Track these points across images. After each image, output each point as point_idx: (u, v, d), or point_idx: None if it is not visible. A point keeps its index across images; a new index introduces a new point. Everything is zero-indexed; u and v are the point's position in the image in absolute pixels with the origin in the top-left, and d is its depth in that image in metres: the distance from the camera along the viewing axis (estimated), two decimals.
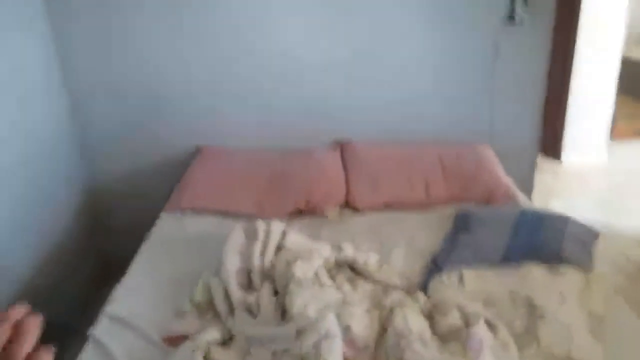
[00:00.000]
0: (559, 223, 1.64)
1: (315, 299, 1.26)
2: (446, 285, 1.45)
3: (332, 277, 1.50)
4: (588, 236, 1.64)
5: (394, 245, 1.77)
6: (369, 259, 1.56)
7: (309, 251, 1.53)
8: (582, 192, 3.46)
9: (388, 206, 2.05)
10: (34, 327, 0.44)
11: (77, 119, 2.29)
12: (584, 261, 1.50)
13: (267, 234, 1.59)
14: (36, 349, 0.43)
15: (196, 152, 2.30)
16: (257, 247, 1.53)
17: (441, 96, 2.34)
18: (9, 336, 0.42)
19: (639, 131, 4.64)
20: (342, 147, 2.32)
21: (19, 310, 0.44)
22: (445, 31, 2.23)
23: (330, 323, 1.12)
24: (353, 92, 2.33)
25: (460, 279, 1.47)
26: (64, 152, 2.25)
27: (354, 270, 1.55)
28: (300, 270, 1.36)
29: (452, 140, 2.34)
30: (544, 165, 3.93)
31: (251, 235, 1.59)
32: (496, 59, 2.22)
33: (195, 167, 2.15)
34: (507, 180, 2.08)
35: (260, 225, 1.61)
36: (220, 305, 1.37)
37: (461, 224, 1.81)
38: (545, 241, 1.56)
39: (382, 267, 1.55)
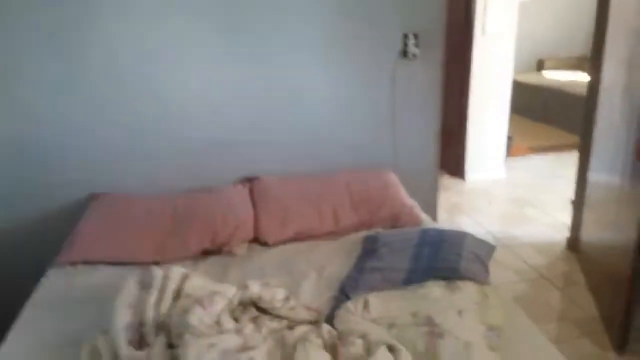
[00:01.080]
0: (456, 240, 1.70)
1: (212, 347, 1.18)
2: (352, 313, 1.43)
3: (236, 319, 1.43)
4: (484, 250, 1.72)
5: (304, 277, 1.74)
6: (276, 295, 1.50)
7: (210, 295, 1.45)
8: (485, 206, 3.66)
9: (298, 238, 2.02)
10: None
11: None
12: (480, 275, 1.55)
13: (165, 281, 1.49)
14: None
15: (90, 201, 2.14)
16: (152, 297, 1.42)
17: (347, 127, 2.40)
18: None
19: (534, 147, 5.07)
20: (251, 184, 2.28)
21: None
22: (348, 67, 2.31)
23: None
24: (261, 129, 2.32)
25: (366, 305, 1.45)
26: None
27: (260, 308, 1.49)
28: (196, 317, 1.27)
29: (363, 167, 2.40)
30: (450, 185, 4.15)
31: (146, 285, 1.47)
32: (394, 90, 2.34)
33: (87, 216, 1.99)
34: (411, 202, 2.14)
35: (157, 273, 1.50)
36: None
37: (369, 249, 1.83)
38: (444, 259, 1.60)
39: (289, 302, 1.50)
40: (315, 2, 2.16)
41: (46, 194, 2.17)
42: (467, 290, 1.45)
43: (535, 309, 2.39)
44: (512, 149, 4.73)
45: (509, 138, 4.60)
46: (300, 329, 1.34)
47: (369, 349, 1.19)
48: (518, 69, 7.32)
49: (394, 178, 2.28)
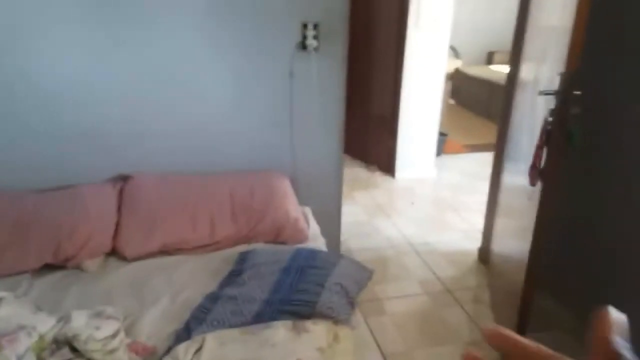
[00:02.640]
0: (325, 267, 1.53)
1: None
2: (181, 358, 1.23)
3: None
4: (357, 279, 1.55)
5: (153, 303, 1.53)
6: (97, 333, 1.28)
7: (14, 330, 1.21)
8: (407, 208, 3.53)
9: (165, 252, 1.80)
10: None
11: None
12: (340, 311, 1.38)
13: None
14: None
15: None
16: None
17: (239, 124, 2.16)
18: None
19: (469, 145, 4.99)
20: (123, 183, 2.02)
21: None
22: (239, 57, 2.06)
23: None
24: (140, 120, 2.05)
25: (199, 349, 1.26)
26: None
27: (75, 349, 1.26)
28: None
29: (254, 169, 2.17)
30: (379, 182, 4.00)
31: None
32: (292, 85, 2.10)
33: None
34: (298, 214, 1.95)
35: None
36: None
37: (235, 270, 1.63)
38: (303, 290, 1.43)
39: (113, 342, 1.28)
40: None
41: None
42: (316, 333, 1.28)
43: (428, 327, 2.28)
44: (445, 146, 4.63)
45: (443, 134, 4.50)
46: None
47: None
48: (467, 61, 7.26)
49: (285, 184, 2.07)
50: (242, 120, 2.15)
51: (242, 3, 1.96)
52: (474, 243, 2.99)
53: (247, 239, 1.86)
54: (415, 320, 2.33)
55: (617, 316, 0.27)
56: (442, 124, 4.46)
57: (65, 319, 1.33)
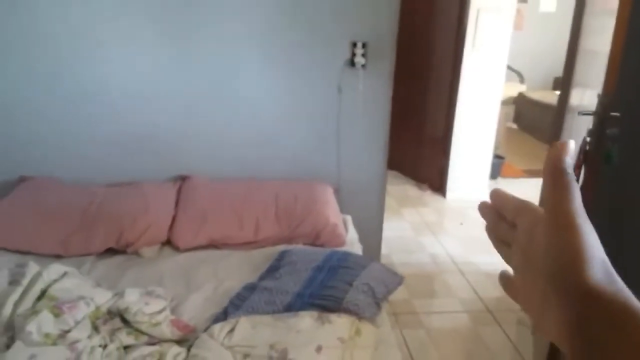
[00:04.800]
0: (356, 268, 1.61)
1: (33, 359, 1.13)
2: (215, 337, 1.36)
3: (96, 329, 1.38)
4: (386, 283, 1.62)
5: (198, 289, 1.69)
6: (146, 308, 1.44)
7: (75, 300, 1.40)
8: (455, 227, 3.52)
9: (212, 245, 1.96)
10: None
11: None
12: (366, 310, 1.45)
13: (36, 278, 1.45)
14: None
15: (18, 183, 2.13)
16: (15, 294, 1.38)
17: (288, 135, 2.31)
18: None
19: (529, 170, 4.87)
20: (182, 183, 2.22)
21: None
22: (291, 72, 2.22)
23: None
24: (198, 127, 2.26)
25: (232, 330, 1.38)
26: None
27: (125, 320, 1.43)
28: (36, 325, 1.22)
29: (300, 177, 2.31)
30: (429, 201, 4.01)
31: (16, 280, 1.44)
32: (339, 101, 2.24)
33: (4, 200, 1.97)
34: (338, 219, 2.05)
35: (29, 269, 1.47)
36: None
37: (274, 266, 1.75)
38: (332, 287, 1.52)
39: (159, 316, 1.44)
40: (255, 3, 2.08)
41: None
42: (339, 324, 1.36)
43: (465, 345, 2.27)
44: (502, 169, 4.55)
45: (499, 157, 4.43)
46: (140, 351, 1.28)
47: None
48: (533, 86, 7.08)
49: (327, 192, 2.18)
50: (290, 131, 2.30)
51: (296, 22, 2.12)
52: None
53: (288, 240, 1.98)
54: (452, 337, 2.33)
55: (570, 144, 0.33)
56: (500, 147, 4.41)
57: (119, 294, 1.51)
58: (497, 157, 4.36)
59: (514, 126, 6.84)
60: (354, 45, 2.15)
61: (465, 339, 2.32)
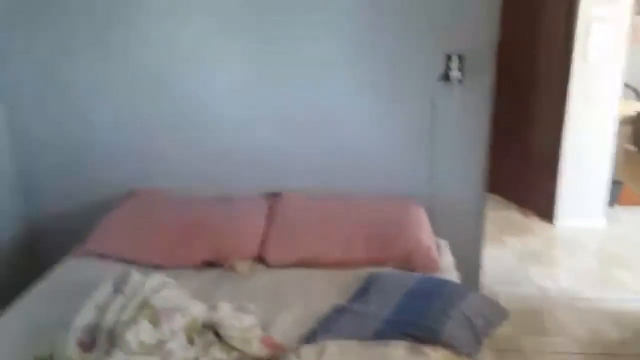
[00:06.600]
0: (453, 297, 1.48)
1: None
2: (304, 358, 1.30)
3: (191, 341, 1.39)
4: (488, 317, 1.46)
5: (288, 307, 1.66)
6: (237, 323, 1.44)
7: (172, 310, 1.43)
8: (567, 258, 3.18)
9: (303, 263, 1.93)
10: None
11: (18, 160, 2.35)
12: (464, 345, 1.32)
13: (138, 287, 1.51)
14: None
15: (128, 195, 2.29)
16: (118, 302, 1.44)
17: (379, 151, 2.26)
18: None
19: None
20: (274, 199, 2.25)
21: None
22: (382, 88, 2.18)
23: None
24: (291, 145, 2.29)
25: (321, 353, 1.32)
26: (4, 192, 2.30)
27: (218, 334, 1.43)
28: (134, 334, 1.26)
29: (390, 196, 2.23)
30: (535, 228, 3.69)
31: (119, 288, 1.51)
32: (433, 117, 2.14)
33: (114, 212, 2.12)
34: (431, 242, 1.92)
35: (132, 278, 1.53)
36: None
37: (362, 289, 1.68)
38: (428, 317, 1.40)
39: (249, 333, 1.43)
40: (345, 16, 2.07)
41: (94, 188, 2.37)
42: (434, 359, 1.24)
43: None
44: (620, 196, 4.06)
45: (617, 182, 3.97)
46: None
47: None
48: None
49: (419, 213, 2.07)
50: (380, 147, 2.24)
51: (389, 32, 2.07)
52: None
53: (378, 262, 1.89)
54: None
55: None
56: (617, 172, 3.96)
57: (213, 307, 1.52)
58: (615, 182, 3.91)
59: (632, 148, 6.14)
60: (449, 58, 2.05)
61: None
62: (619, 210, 3.98)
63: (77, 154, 2.33)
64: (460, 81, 2.06)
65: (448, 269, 1.88)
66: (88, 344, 1.35)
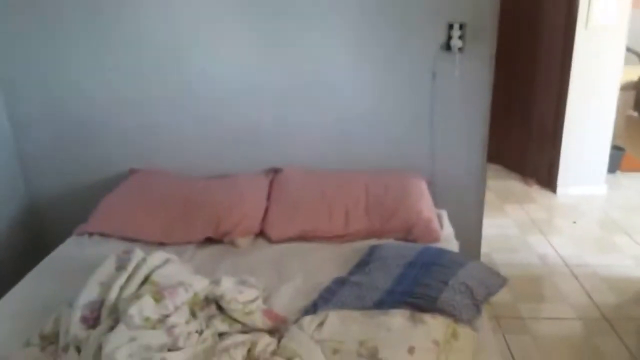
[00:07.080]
0: (452, 266, 1.49)
1: (132, 341, 1.18)
2: (304, 330, 1.33)
3: (194, 314, 1.42)
4: (486, 284, 1.48)
5: (289, 280, 1.68)
6: (240, 296, 1.46)
7: (175, 285, 1.45)
8: (568, 226, 3.19)
9: (303, 237, 1.95)
10: None
11: (18, 141, 2.35)
12: (463, 312, 1.34)
13: (140, 264, 1.53)
14: None
15: (129, 175, 2.29)
16: (121, 279, 1.47)
17: (380, 123, 2.24)
18: None
19: None
20: (274, 175, 2.25)
21: None
22: (382, 58, 2.14)
23: None
24: (290, 119, 2.27)
25: (322, 323, 1.34)
26: (5, 173, 2.31)
27: (220, 307, 1.46)
28: (137, 309, 1.28)
29: (391, 168, 2.23)
30: (537, 197, 3.70)
31: (121, 266, 1.53)
32: (434, 87, 2.11)
33: (115, 190, 2.13)
34: (432, 214, 1.93)
35: (135, 255, 1.55)
36: (62, 339, 1.32)
37: (363, 261, 1.70)
38: (426, 285, 1.42)
39: (251, 306, 1.45)
40: None
41: (95, 167, 2.37)
42: (433, 325, 1.26)
43: (577, 355, 2.03)
44: (622, 163, 4.05)
45: (618, 148, 3.95)
46: (233, 339, 1.29)
47: None
48: None
49: (420, 184, 2.07)
50: (381, 119, 2.22)
51: (388, 3, 2.03)
52: None
53: (379, 234, 1.91)
54: (563, 346, 2.10)
55: None
56: (618, 138, 3.95)
57: (215, 281, 1.54)
58: (616, 149, 3.90)
59: (635, 114, 6.08)
60: (450, 27, 2.01)
61: (577, 348, 2.08)
62: (620, 176, 3.98)
63: (78, 134, 2.32)
64: (461, 50, 2.03)
65: (448, 239, 1.89)
66: (92, 320, 1.38)
